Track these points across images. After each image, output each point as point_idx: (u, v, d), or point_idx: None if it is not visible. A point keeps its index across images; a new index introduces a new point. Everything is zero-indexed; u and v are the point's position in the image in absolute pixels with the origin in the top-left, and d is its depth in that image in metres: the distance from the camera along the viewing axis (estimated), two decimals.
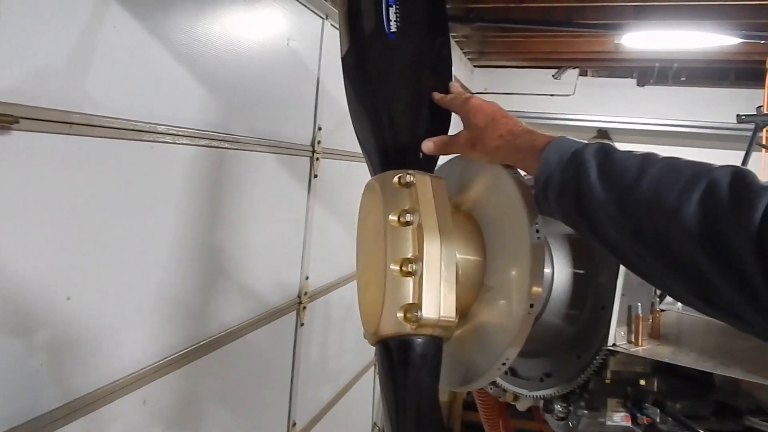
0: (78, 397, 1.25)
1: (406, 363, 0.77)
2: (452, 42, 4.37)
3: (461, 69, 4.80)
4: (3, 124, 1.02)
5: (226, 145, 1.72)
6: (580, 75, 5.09)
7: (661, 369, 0.93)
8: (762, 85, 3.79)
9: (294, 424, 2.34)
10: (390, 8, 0.90)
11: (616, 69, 5.03)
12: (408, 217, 0.81)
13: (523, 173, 0.83)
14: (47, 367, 1.18)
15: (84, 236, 1.24)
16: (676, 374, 0.94)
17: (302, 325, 2.35)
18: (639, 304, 0.90)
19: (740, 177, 0.57)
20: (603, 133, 5.02)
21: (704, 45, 3.45)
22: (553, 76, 5.12)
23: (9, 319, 1.10)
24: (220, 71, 1.67)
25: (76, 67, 1.19)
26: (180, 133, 1.51)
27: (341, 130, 2.47)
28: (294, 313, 2.31)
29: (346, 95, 0.95)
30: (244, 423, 2.02)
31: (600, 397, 0.93)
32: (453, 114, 0.91)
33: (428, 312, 0.77)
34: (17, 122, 1.04)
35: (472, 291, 0.84)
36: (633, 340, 0.89)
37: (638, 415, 0.92)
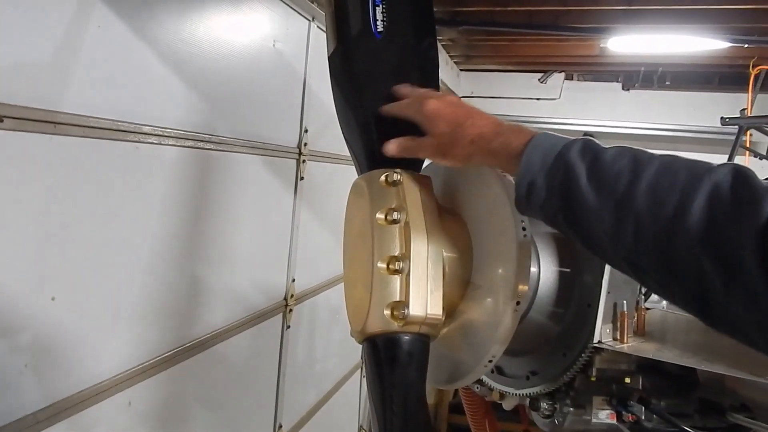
0: (62, 399, 1.24)
1: (393, 360, 0.77)
2: (438, 45, 4.39)
3: (447, 73, 4.82)
4: None
5: (212, 146, 1.71)
6: (566, 79, 5.12)
7: (645, 367, 0.94)
8: (746, 90, 3.84)
9: (280, 427, 2.33)
10: (377, 8, 0.90)
11: (602, 73, 5.06)
12: (395, 216, 0.81)
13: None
14: (31, 368, 1.17)
15: (69, 236, 1.23)
16: (660, 372, 0.95)
17: (288, 327, 2.34)
18: (624, 301, 0.91)
19: (742, 179, 0.54)
20: (589, 136, 5.05)
21: (689, 49, 3.49)
22: (539, 80, 5.15)
23: None
24: (206, 72, 1.66)
25: (61, 66, 1.19)
26: (165, 134, 1.50)
27: (328, 132, 2.46)
28: (280, 315, 2.30)
29: (333, 95, 0.95)
30: (230, 425, 2.01)
31: (585, 395, 0.93)
32: None
33: (415, 310, 0.77)
34: (1, 121, 1.03)
35: (459, 289, 0.84)
36: (618, 337, 0.90)
37: (623, 412, 0.92)
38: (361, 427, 3.44)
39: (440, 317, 0.79)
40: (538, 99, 5.13)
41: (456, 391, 4.47)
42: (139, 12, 1.38)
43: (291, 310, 2.34)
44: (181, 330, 1.65)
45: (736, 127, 2.96)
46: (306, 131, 2.33)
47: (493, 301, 0.79)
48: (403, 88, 0.87)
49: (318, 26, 2.33)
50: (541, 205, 0.66)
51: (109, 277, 1.36)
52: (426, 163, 0.94)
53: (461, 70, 5.25)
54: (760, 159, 3.21)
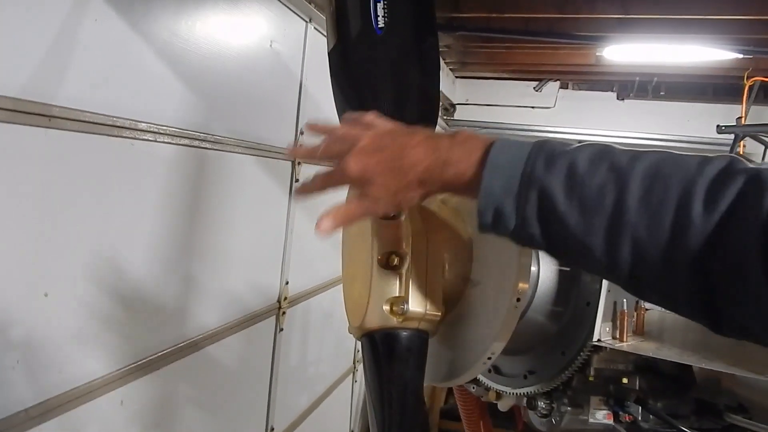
0: (54, 396, 1.23)
1: (392, 355, 0.77)
2: None
3: (443, 79, 4.83)
4: None
5: (208, 145, 1.70)
6: (561, 88, 5.15)
7: (643, 368, 0.94)
8: (740, 101, 3.87)
9: (272, 429, 2.31)
10: (378, 4, 0.90)
11: (597, 82, 5.09)
12: (394, 212, 0.80)
13: None
14: (23, 364, 1.15)
15: (62, 232, 1.22)
16: (658, 373, 0.95)
17: (281, 330, 2.33)
18: (624, 300, 0.91)
19: (732, 174, 0.51)
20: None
21: (684, 59, 3.51)
22: (534, 88, 5.18)
23: None
24: (202, 70, 1.65)
25: (57, 60, 1.18)
26: (161, 131, 1.49)
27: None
28: (273, 317, 2.28)
29: (332, 91, 0.95)
30: (222, 427, 1.99)
31: (583, 395, 0.93)
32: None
33: (414, 305, 0.77)
34: None
35: (458, 285, 0.84)
36: (617, 336, 0.90)
37: (620, 412, 0.92)
38: (352, 431, 3.42)
39: (439, 313, 0.79)
40: (532, 107, 5.15)
41: (447, 397, 4.45)
42: (135, 7, 1.37)
43: (284, 313, 2.33)
44: (173, 330, 1.64)
45: (731, 136, 2.96)
46: (302, 133, 2.32)
47: (493, 299, 0.78)
48: (318, 128, 0.77)
49: (315, 27, 2.32)
50: (512, 232, 0.60)
51: (103, 274, 1.35)
52: None
53: (457, 77, 5.27)
54: None
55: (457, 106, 5.32)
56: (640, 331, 0.94)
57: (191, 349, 1.71)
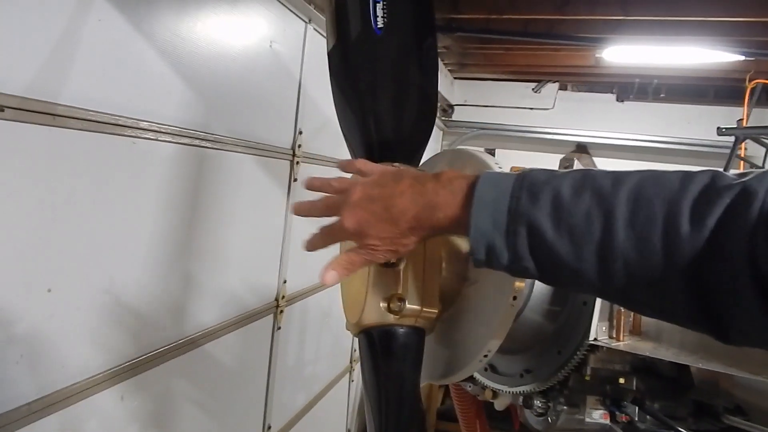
0: (56, 391, 1.24)
1: (389, 352, 0.78)
2: None
3: (441, 80, 4.84)
4: None
5: (208, 144, 1.71)
6: (560, 89, 5.15)
7: (640, 368, 0.95)
8: (741, 104, 3.87)
9: (269, 428, 2.32)
10: (377, 4, 0.91)
11: (596, 84, 5.09)
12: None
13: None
14: (26, 359, 1.16)
15: (65, 229, 1.23)
16: (655, 373, 0.96)
17: (279, 328, 2.34)
18: None
19: (716, 190, 0.52)
20: (581, 147, 5.09)
21: (685, 62, 3.51)
22: (533, 89, 5.18)
23: None
24: (202, 70, 1.66)
25: (61, 59, 1.18)
26: (162, 130, 1.50)
27: (322, 134, 2.47)
28: (271, 316, 2.29)
29: (332, 90, 0.95)
30: (220, 424, 2.00)
31: (579, 395, 0.93)
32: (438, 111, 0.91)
33: (411, 303, 0.78)
34: (2, 111, 1.03)
35: (456, 283, 0.84)
36: (614, 335, 0.90)
37: (617, 413, 0.93)
38: (348, 430, 3.42)
39: (436, 311, 0.79)
40: (531, 109, 5.15)
41: (444, 397, 4.45)
42: (138, 8, 1.38)
43: (282, 311, 2.34)
44: (173, 327, 1.65)
45: (732, 138, 2.96)
46: (300, 133, 2.33)
47: (490, 297, 0.79)
48: (314, 183, 0.81)
49: (314, 28, 2.33)
50: (507, 266, 0.61)
51: (104, 271, 1.36)
52: (425, 157, 0.95)
53: (455, 78, 5.28)
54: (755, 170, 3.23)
55: (455, 107, 5.33)
56: (636, 331, 0.94)
57: (190, 346, 1.71)
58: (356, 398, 3.46)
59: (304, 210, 0.80)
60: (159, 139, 1.49)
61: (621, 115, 4.95)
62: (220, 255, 1.87)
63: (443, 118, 5.24)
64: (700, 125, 4.29)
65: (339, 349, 3.09)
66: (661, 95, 4.82)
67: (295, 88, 2.30)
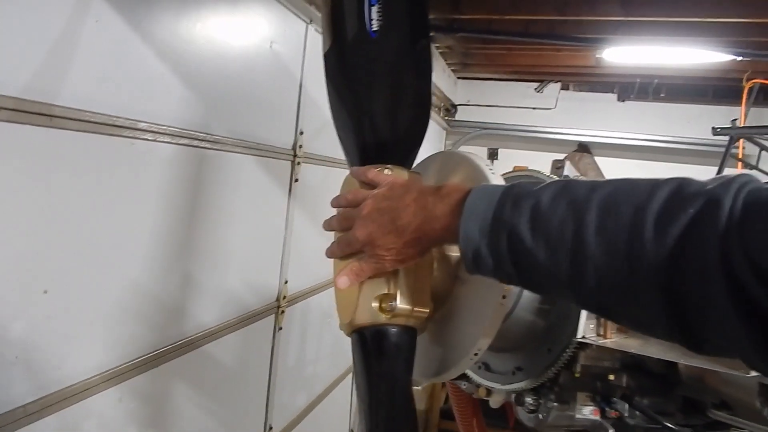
0: (53, 392, 1.24)
1: (381, 352, 0.79)
2: (436, 53, 4.42)
3: (444, 80, 4.85)
4: None
5: (207, 145, 1.72)
6: (562, 89, 5.16)
7: (629, 365, 0.96)
8: (739, 103, 3.88)
9: (270, 428, 2.33)
10: (372, 7, 0.92)
11: (597, 84, 5.10)
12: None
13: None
14: (22, 360, 1.17)
15: (62, 230, 1.24)
16: (644, 370, 0.97)
17: (280, 329, 2.35)
18: None
19: (679, 198, 0.52)
20: (583, 146, 5.10)
21: (684, 62, 3.52)
22: (535, 89, 5.19)
23: None
24: (202, 71, 1.67)
25: (58, 60, 1.20)
26: (161, 131, 1.51)
27: (323, 135, 2.48)
28: (272, 316, 2.30)
29: (327, 92, 0.96)
30: (221, 425, 2.01)
31: (570, 391, 0.94)
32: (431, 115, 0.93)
33: (403, 302, 0.79)
34: None
35: (447, 283, 0.85)
36: (602, 333, 0.91)
37: (607, 409, 0.94)
38: (351, 431, 3.43)
39: (427, 310, 0.80)
40: (534, 108, 5.17)
41: (447, 397, 4.47)
42: (136, 8, 1.39)
43: (283, 312, 2.35)
44: (172, 328, 1.66)
45: (727, 137, 2.98)
46: (301, 133, 2.34)
47: (480, 296, 0.80)
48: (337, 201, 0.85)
49: (315, 29, 2.34)
50: (492, 271, 0.65)
51: (102, 272, 1.36)
52: (417, 159, 0.96)
53: (458, 78, 5.29)
54: (750, 169, 3.25)
55: (458, 106, 5.34)
56: (623, 328, 0.95)
57: (190, 347, 1.72)
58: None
59: (326, 227, 0.86)
60: (158, 140, 1.50)
61: (622, 114, 4.96)
62: (220, 255, 1.89)
63: (446, 118, 5.25)
64: (699, 124, 4.30)
65: (340, 349, 3.10)
66: (662, 95, 4.84)
67: (296, 88, 2.32)
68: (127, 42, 1.37)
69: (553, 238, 0.58)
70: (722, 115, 4.24)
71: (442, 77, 4.74)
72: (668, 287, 0.52)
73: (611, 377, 0.93)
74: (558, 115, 5.10)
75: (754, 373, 0.77)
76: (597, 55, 3.76)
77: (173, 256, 1.64)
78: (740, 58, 3.29)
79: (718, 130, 2.76)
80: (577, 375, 0.92)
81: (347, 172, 0.95)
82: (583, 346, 0.90)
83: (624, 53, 3.49)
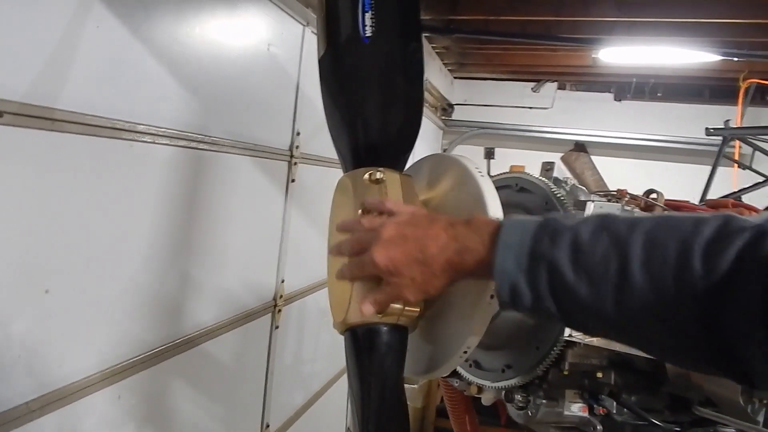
0: (54, 390, 1.26)
1: (372, 349, 0.81)
2: (433, 53, 4.44)
3: (441, 80, 4.87)
4: None
5: (205, 146, 1.74)
6: (559, 89, 5.18)
7: (617, 363, 0.98)
8: (735, 103, 3.91)
9: (267, 426, 2.35)
10: (366, 14, 0.94)
11: (594, 83, 5.13)
12: (377, 211, 0.84)
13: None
14: (24, 358, 1.19)
15: (64, 231, 1.26)
16: (631, 368, 0.99)
17: (277, 327, 2.37)
18: None
19: (726, 236, 0.53)
20: (580, 146, 5.12)
21: (680, 62, 3.54)
22: (531, 89, 5.21)
23: None
24: (200, 73, 1.69)
25: (59, 64, 1.21)
26: (159, 133, 1.53)
27: (319, 135, 2.50)
28: (269, 315, 2.32)
29: (322, 96, 0.99)
30: (218, 423, 2.03)
31: (558, 389, 0.97)
32: (424, 116, 0.95)
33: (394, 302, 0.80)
34: (1, 116, 1.06)
35: None
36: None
37: (595, 405, 0.96)
38: (348, 429, 3.45)
39: (418, 309, 0.82)
40: (530, 108, 5.19)
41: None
42: (136, 13, 1.41)
43: (280, 311, 2.37)
44: (170, 326, 1.68)
45: (720, 137, 3.01)
46: (298, 134, 2.36)
47: (469, 295, 0.82)
48: (345, 225, 0.83)
49: (312, 31, 2.36)
50: (530, 306, 0.63)
51: (102, 272, 1.38)
52: (409, 162, 0.98)
53: (455, 77, 5.31)
54: (744, 169, 3.28)
55: (455, 106, 5.36)
56: None
57: (188, 345, 1.74)
58: None
59: (335, 253, 0.82)
60: (156, 142, 1.52)
61: (619, 114, 4.98)
62: (218, 255, 1.90)
63: (443, 118, 5.27)
64: (696, 124, 4.31)
65: (337, 347, 3.07)
66: (658, 95, 4.87)
67: (293, 90, 2.33)
68: (127, 46, 1.39)
69: (597, 272, 0.58)
70: (718, 114, 4.26)
71: (438, 77, 4.76)
72: (714, 320, 0.52)
73: (599, 375, 0.95)
74: (555, 114, 5.12)
75: None
76: (593, 55, 3.78)
77: (172, 256, 1.66)
78: (736, 59, 3.32)
79: (711, 130, 2.80)
80: (565, 372, 0.94)
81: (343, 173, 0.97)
82: (570, 344, 0.93)
83: (620, 53, 3.52)
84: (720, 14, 2.96)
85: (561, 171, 4.83)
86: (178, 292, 1.71)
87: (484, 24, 3.52)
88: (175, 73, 1.57)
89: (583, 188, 1.05)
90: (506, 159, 5.05)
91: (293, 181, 2.36)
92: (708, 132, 2.82)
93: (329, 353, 3.00)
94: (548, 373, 0.95)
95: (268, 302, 2.30)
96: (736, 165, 3.55)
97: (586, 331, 0.66)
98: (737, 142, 3.64)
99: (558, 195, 0.99)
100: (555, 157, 5.00)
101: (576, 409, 0.94)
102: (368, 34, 0.93)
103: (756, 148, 3.13)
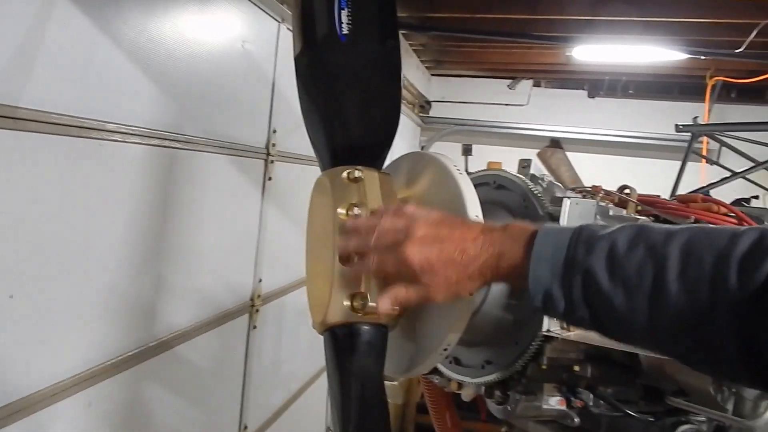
0: (20, 398, 1.23)
1: (353, 349, 0.80)
2: (410, 50, 4.45)
3: (418, 77, 4.87)
4: None
5: (178, 145, 1.72)
6: (534, 86, 5.23)
7: (594, 356, 0.99)
8: (703, 100, 3.99)
9: (245, 428, 2.33)
10: (342, 11, 0.93)
11: (568, 81, 5.19)
12: (356, 211, 0.84)
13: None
14: None
15: (29, 233, 1.22)
16: (607, 361, 1.00)
17: (255, 328, 2.35)
18: None
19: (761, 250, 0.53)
20: (555, 142, 5.17)
21: (651, 60, 3.61)
22: (507, 86, 5.25)
23: None
24: (172, 71, 1.66)
25: (23, 62, 1.18)
26: (130, 132, 1.50)
27: (296, 133, 2.48)
28: (246, 315, 2.30)
29: (299, 94, 0.97)
30: (194, 426, 2.00)
31: (537, 383, 0.97)
32: (401, 114, 0.94)
33: (374, 300, 0.80)
34: None
35: None
36: (565, 326, 0.94)
37: (572, 399, 0.97)
38: (328, 428, 3.44)
39: (398, 308, 0.82)
40: (506, 105, 5.23)
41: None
42: (104, 9, 1.38)
43: (258, 311, 2.35)
44: (144, 329, 1.65)
45: (689, 133, 3.08)
46: (274, 132, 2.34)
47: None
48: (360, 224, 0.79)
49: (287, 27, 2.34)
50: (563, 313, 0.64)
51: (71, 275, 1.35)
52: (388, 160, 0.97)
53: (432, 75, 5.32)
54: (711, 164, 3.35)
55: (432, 103, 5.38)
56: None
57: (162, 348, 1.71)
58: None
59: (352, 248, 0.79)
60: (127, 140, 1.49)
61: (592, 110, 5.05)
62: (193, 256, 1.88)
63: (421, 115, 5.28)
64: (666, 120, 4.39)
65: (317, 346, 3.04)
66: (630, 92, 4.96)
67: (268, 87, 2.31)
68: (95, 43, 1.36)
69: (632, 282, 0.58)
70: (688, 111, 4.34)
71: (416, 74, 4.76)
72: (749, 334, 0.52)
73: (576, 368, 0.96)
74: (530, 111, 5.17)
75: None
76: (567, 53, 3.82)
77: (145, 257, 1.63)
78: (703, 57, 3.39)
79: (681, 127, 2.85)
80: (543, 367, 0.94)
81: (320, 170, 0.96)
82: (549, 338, 0.93)
83: (593, 51, 3.56)
84: (688, 14, 3.02)
85: (537, 167, 4.88)
86: (152, 294, 1.69)
87: (461, 22, 3.54)
88: (146, 70, 1.54)
89: (559, 185, 1.06)
90: (483, 156, 5.08)
91: (270, 179, 2.34)
92: (677, 128, 2.88)
93: (308, 352, 2.99)
94: (527, 367, 0.95)
95: (245, 302, 2.28)
96: (704, 160, 3.62)
97: (620, 340, 0.66)
98: (705, 139, 3.72)
99: (536, 192, 0.99)
100: (531, 153, 5.05)
101: (554, 402, 0.95)
102: (345, 32, 0.93)
103: (723, 144, 3.20)
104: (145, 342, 1.64)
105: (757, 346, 0.52)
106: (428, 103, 5.34)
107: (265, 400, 2.55)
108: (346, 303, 0.81)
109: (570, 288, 0.62)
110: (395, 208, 0.79)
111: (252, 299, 2.32)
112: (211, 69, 1.87)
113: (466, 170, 0.91)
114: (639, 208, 1.10)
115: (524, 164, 1.06)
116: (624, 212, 1.06)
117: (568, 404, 0.96)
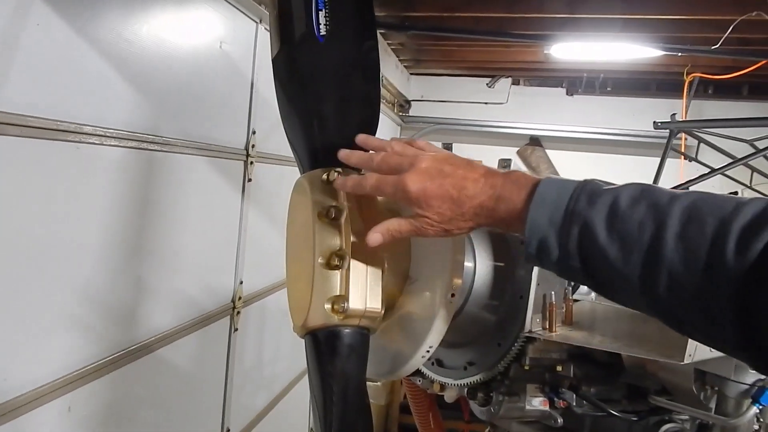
0: None
1: (334, 353, 0.80)
2: (389, 49, 4.44)
3: (398, 76, 4.87)
4: None
5: (156, 147, 1.70)
6: (513, 84, 5.26)
7: (576, 356, 0.99)
8: (681, 96, 4.04)
9: (228, 430, 2.31)
10: (320, 12, 0.92)
11: (547, 79, 5.23)
12: (335, 212, 0.83)
13: None
14: None
15: (5, 237, 1.20)
16: (590, 360, 1.00)
17: (236, 330, 2.33)
18: (553, 293, 0.95)
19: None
20: (535, 140, 5.21)
21: (628, 57, 3.64)
22: (487, 84, 5.28)
23: None
24: (149, 72, 1.64)
25: None
26: (108, 134, 1.48)
27: (276, 134, 2.47)
28: (228, 318, 2.28)
29: (277, 96, 0.97)
30: (177, 429, 1.98)
31: (520, 383, 0.97)
32: (381, 113, 0.93)
33: (355, 303, 0.80)
34: None
35: (398, 283, 0.87)
36: (548, 326, 0.94)
37: (555, 399, 0.97)
38: (311, 430, 3.43)
39: (379, 310, 0.82)
40: (486, 103, 5.25)
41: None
42: (80, 11, 1.36)
43: (239, 313, 2.33)
44: (124, 333, 1.63)
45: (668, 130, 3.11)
46: (254, 133, 2.32)
47: (430, 294, 0.82)
48: (371, 142, 0.81)
49: (265, 28, 2.32)
50: (555, 262, 0.64)
51: (48, 279, 1.33)
52: None
53: (411, 74, 5.33)
54: (690, 161, 3.39)
55: (412, 102, 5.38)
56: (569, 321, 0.98)
57: (143, 351, 1.70)
58: None
59: (354, 161, 0.79)
60: (104, 143, 1.47)
61: (571, 108, 5.09)
62: (172, 258, 1.86)
63: (400, 114, 5.28)
64: (644, 117, 4.45)
65: (299, 347, 3.02)
66: (608, 89, 5.01)
67: (247, 88, 2.30)
68: (71, 45, 1.34)
69: (630, 237, 0.58)
70: (665, 107, 4.39)
71: (395, 73, 4.76)
72: (743, 302, 0.52)
73: (559, 368, 0.96)
74: (510, 109, 5.19)
75: (689, 360, 0.81)
76: (545, 51, 3.85)
77: (124, 260, 1.61)
78: (679, 54, 3.43)
79: (659, 124, 2.89)
80: (526, 367, 0.94)
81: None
82: (531, 339, 0.93)
83: (570, 49, 3.59)
84: (664, 11, 3.06)
85: (517, 165, 4.91)
86: (132, 297, 1.67)
87: (439, 20, 3.54)
88: (123, 72, 1.52)
89: None
90: (464, 154, 5.04)
91: (250, 180, 2.32)
92: (656, 125, 2.92)
93: (291, 354, 2.98)
94: (510, 368, 0.95)
95: (226, 305, 2.26)
96: (683, 157, 3.67)
97: (609, 295, 0.65)
98: (684, 135, 3.77)
99: None
100: (511, 151, 5.08)
101: (537, 403, 0.95)
102: (322, 32, 0.92)
103: (701, 140, 3.24)
104: (126, 345, 1.63)
105: (751, 319, 0.52)
106: (408, 102, 5.34)
107: (247, 402, 2.53)
108: (327, 306, 0.80)
109: (567, 237, 0.61)
110: (406, 139, 0.80)
111: (233, 301, 2.30)
112: (189, 70, 1.85)
113: None
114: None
115: (504, 164, 1.07)
116: None
117: (551, 405, 0.97)
